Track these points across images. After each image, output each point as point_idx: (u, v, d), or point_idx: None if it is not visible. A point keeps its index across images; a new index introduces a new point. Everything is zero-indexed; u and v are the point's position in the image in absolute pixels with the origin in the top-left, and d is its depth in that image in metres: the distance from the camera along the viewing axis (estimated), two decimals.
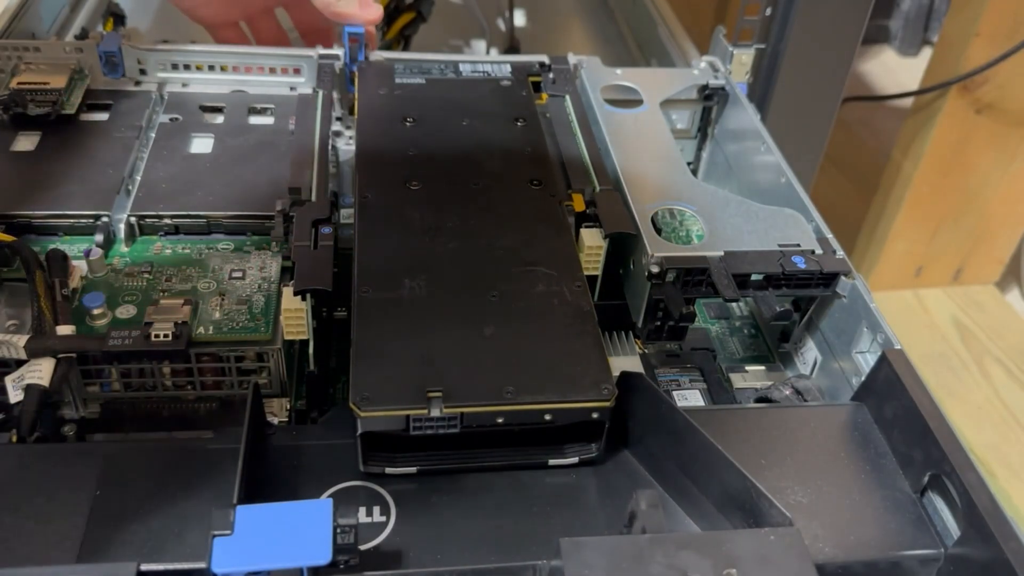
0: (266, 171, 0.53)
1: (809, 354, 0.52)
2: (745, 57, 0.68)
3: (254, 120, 0.59)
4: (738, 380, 0.52)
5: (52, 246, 0.48)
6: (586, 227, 0.50)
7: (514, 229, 0.48)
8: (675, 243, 0.49)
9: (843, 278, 0.48)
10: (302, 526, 0.33)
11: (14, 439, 0.40)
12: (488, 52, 0.92)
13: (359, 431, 0.38)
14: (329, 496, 0.39)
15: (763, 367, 0.53)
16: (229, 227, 0.51)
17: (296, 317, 0.44)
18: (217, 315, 0.45)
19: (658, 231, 0.49)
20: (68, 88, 0.58)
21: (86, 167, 0.53)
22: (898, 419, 0.42)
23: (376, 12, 0.62)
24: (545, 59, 0.64)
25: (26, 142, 0.55)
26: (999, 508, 0.37)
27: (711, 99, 0.65)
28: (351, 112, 0.62)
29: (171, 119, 0.58)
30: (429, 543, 0.37)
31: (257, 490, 0.38)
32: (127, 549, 0.36)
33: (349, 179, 0.60)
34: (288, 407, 0.46)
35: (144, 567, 0.33)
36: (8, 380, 0.42)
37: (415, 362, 0.40)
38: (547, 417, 0.39)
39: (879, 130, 1.45)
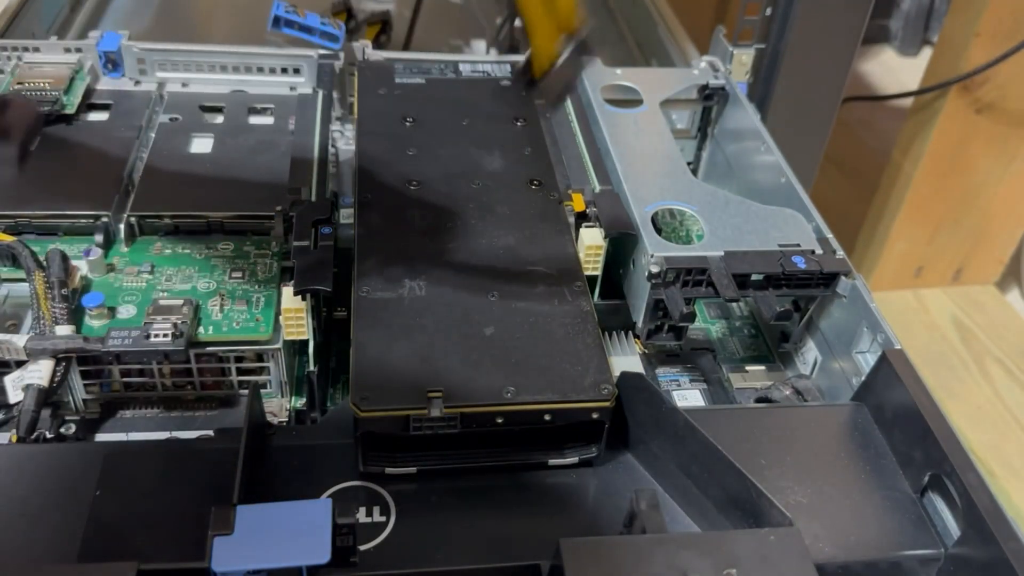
0: (266, 171, 0.53)
1: (809, 354, 0.52)
2: (745, 57, 0.68)
3: (254, 120, 0.59)
4: (738, 380, 0.52)
5: (52, 246, 0.47)
6: (586, 227, 0.50)
7: (514, 229, 0.48)
8: (675, 243, 0.49)
9: (843, 278, 0.48)
10: (302, 526, 0.33)
11: (14, 439, 0.40)
12: (488, 52, 0.92)
13: (359, 431, 0.38)
14: (329, 496, 0.39)
15: (763, 367, 0.53)
16: (229, 227, 0.51)
17: (296, 317, 0.44)
18: (217, 315, 0.45)
19: (658, 231, 0.49)
20: (68, 88, 0.58)
21: (86, 167, 0.53)
22: (898, 419, 0.42)
23: None
24: None
25: None
26: (999, 508, 0.37)
27: (711, 99, 0.65)
28: (351, 112, 0.62)
29: (171, 119, 0.58)
30: (429, 543, 0.37)
31: (257, 490, 0.38)
32: (127, 549, 0.36)
33: (349, 179, 0.60)
34: (288, 407, 0.46)
35: (143, 567, 0.33)
36: (8, 380, 0.42)
37: (415, 362, 0.40)
38: (547, 417, 0.39)
39: (879, 130, 1.45)
